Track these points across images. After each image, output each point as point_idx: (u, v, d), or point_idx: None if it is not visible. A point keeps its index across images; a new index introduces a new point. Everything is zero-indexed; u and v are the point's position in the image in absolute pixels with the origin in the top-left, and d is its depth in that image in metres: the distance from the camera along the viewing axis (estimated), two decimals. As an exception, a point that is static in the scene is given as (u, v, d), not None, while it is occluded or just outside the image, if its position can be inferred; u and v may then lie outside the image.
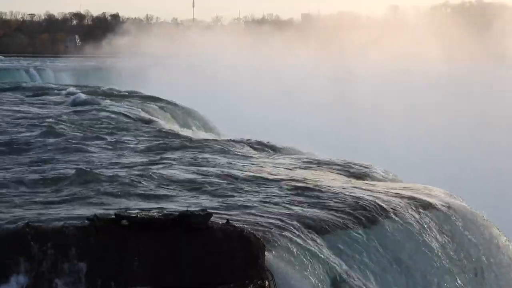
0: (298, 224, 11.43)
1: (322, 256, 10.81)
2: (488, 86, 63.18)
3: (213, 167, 15.76)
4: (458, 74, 66.70)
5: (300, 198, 13.04)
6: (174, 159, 16.51)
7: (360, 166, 17.35)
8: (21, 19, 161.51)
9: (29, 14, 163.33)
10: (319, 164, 17.42)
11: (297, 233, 11.11)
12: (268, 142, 21.27)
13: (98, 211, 10.89)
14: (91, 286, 9.34)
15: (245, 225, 10.60)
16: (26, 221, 9.96)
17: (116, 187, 13.09)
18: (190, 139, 20.63)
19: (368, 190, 14.00)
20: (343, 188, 14.05)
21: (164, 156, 17.05)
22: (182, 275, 9.61)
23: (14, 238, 9.49)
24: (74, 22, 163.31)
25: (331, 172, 16.40)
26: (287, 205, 12.45)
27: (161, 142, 19.58)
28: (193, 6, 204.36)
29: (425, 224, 12.81)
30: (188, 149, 18.36)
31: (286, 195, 13.24)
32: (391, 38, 79.27)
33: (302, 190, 13.70)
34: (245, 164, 16.39)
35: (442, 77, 65.05)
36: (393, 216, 12.61)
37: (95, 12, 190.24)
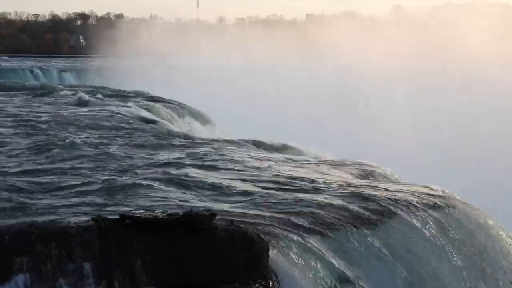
0: (304, 224, 11.42)
1: (327, 257, 10.80)
2: (502, 86, 62.60)
3: (216, 166, 15.78)
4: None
5: (305, 198, 13.02)
6: (178, 159, 16.51)
7: (365, 166, 17.35)
8: (26, 19, 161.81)
9: (34, 14, 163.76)
10: (324, 164, 17.42)
11: (302, 233, 11.11)
12: (271, 142, 21.28)
13: (102, 211, 10.91)
14: (95, 286, 9.35)
15: (249, 226, 10.60)
16: (30, 221, 9.99)
17: (119, 187, 13.10)
18: (194, 139, 20.65)
19: (373, 190, 13.99)
20: (348, 187, 14.03)
21: (168, 156, 17.06)
22: (186, 275, 9.62)
23: (19, 237, 9.52)
24: (79, 22, 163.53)
25: (336, 172, 16.39)
26: (292, 205, 12.43)
27: (165, 142, 19.59)
28: (197, 6, 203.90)
29: (430, 221, 12.80)
30: (192, 149, 18.37)
31: (291, 195, 13.23)
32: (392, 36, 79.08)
33: (307, 190, 13.70)
34: (249, 164, 16.39)
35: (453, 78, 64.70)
36: (401, 216, 12.59)
37: (99, 12, 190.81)
